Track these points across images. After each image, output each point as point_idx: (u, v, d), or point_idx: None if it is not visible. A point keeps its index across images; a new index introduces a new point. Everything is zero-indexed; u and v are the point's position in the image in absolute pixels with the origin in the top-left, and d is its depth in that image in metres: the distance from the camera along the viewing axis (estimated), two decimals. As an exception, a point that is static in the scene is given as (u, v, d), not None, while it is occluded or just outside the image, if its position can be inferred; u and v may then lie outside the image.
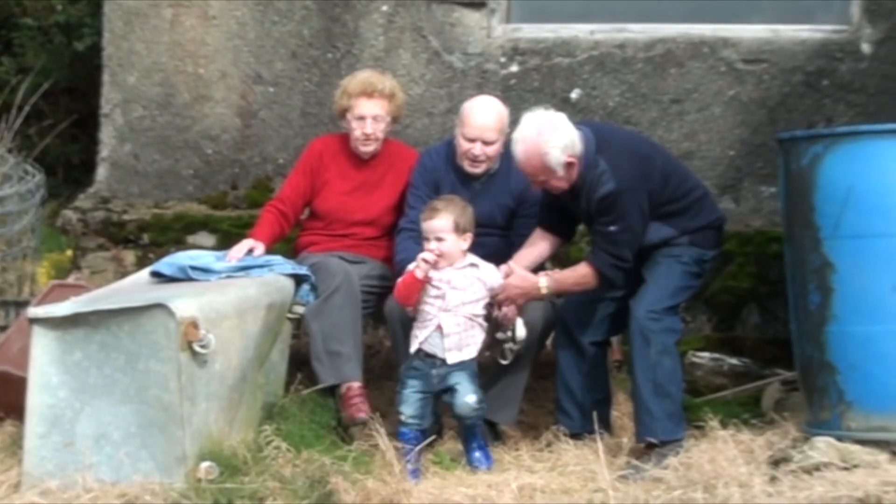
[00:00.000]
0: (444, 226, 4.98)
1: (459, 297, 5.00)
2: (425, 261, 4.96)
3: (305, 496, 4.41)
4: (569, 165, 5.02)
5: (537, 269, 5.25)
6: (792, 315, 5.05)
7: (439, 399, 5.09)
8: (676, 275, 5.12)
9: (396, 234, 5.46)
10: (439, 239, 4.97)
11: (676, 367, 5.10)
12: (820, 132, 5.47)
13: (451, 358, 4.98)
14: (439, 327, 4.98)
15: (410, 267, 5.02)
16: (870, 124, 5.63)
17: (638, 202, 5.04)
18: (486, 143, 5.34)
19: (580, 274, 5.11)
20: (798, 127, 6.21)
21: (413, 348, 5.03)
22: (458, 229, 4.99)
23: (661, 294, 5.07)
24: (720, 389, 5.90)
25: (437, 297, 4.99)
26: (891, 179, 4.72)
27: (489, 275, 5.06)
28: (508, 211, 5.47)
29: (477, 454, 4.98)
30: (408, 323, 5.23)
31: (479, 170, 5.40)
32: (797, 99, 6.42)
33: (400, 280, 5.05)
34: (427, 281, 4.98)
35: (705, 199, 5.27)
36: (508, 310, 5.13)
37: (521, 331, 5.14)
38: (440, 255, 4.97)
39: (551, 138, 4.99)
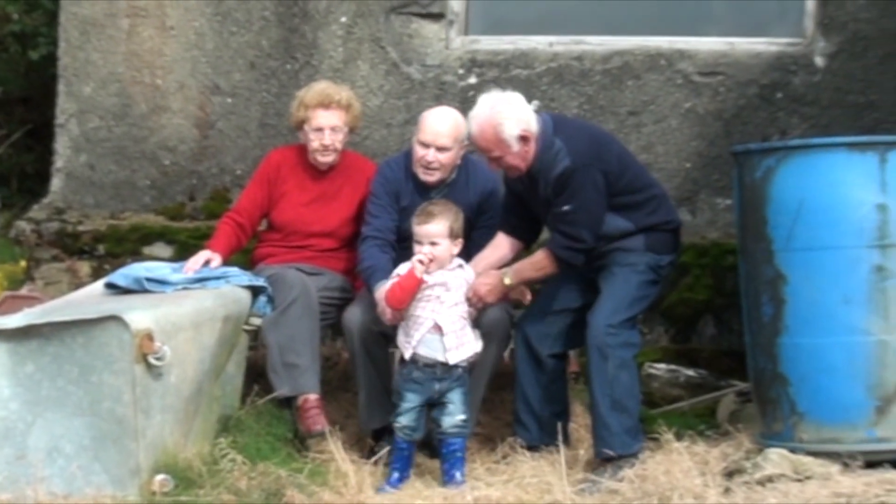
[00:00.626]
0: (439, 231, 4.99)
1: (453, 297, 5.02)
2: (421, 262, 4.97)
3: (261, 509, 4.40)
4: (523, 139, 5.03)
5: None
6: (746, 327, 5.09)
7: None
8: (633, 285, 5.13)
9: (360, 243, 5.44)
10: (433, 243, 4.99)
11: (634, 382, 5.11)
12: (773, 145, 5.52)
13: (453, 357, 4.98)
14: (437, 327, 4.98)
15: (401, 271, 5.02)
16: (821, 137, 5.71)
17: (593, 180, 5.04)
18: (439, 149, 5.35)
19: (537, 259, 5.14)
20: (753, 139, 6.27)
21: (407, 354, 5.02)
22: (452, 234, 5.02)
23: (617, 306, 5.07)
24: (676, 401, 5.93)
25: (430, 299, 5.00)
26: (841, 192, 4.77)
27: (472, 276, 5.12)
28: (467, 222, 5.47)
29: (457, 475, 4.93)
30: (367, 334, 5.23)
31: (432, 178, 5.41)
32: (752, 111, 6.47)
33: (393, 283, 5.01)
34: (422, 284, 4.98)
35: (663, 200, 5.28)
36: (474, 313, 5.15)
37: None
38: (432, 260, 4.98)
39: (505, 110, 5.05)
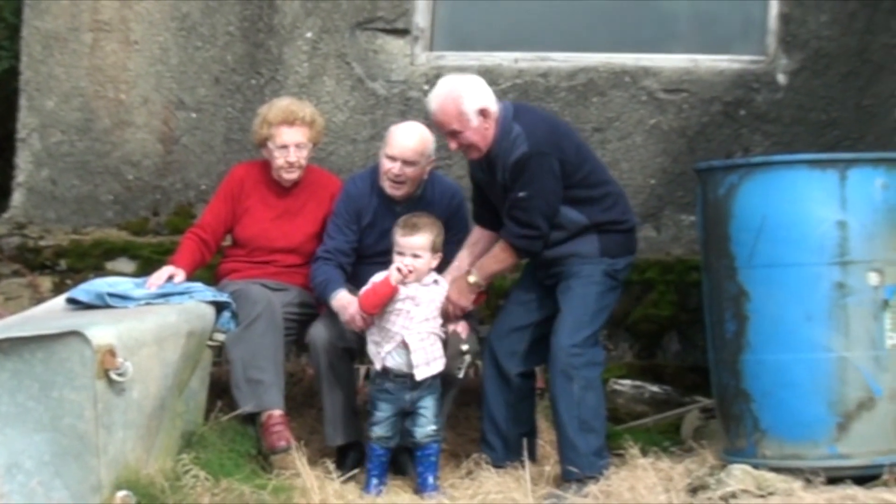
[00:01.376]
0: (423, 244, 5.05)
1: (423, 313, 5.07)
2: (399, 271, 5.01)
3: (224, 526, 4.38)
4: (482, 114, 5.05)
5: None
6: (709, 343, 5.12)
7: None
8: (591, 298, 5.11)
9: (312, 262, 5.45)
10: (415, 255, 5.03)
11: (600, 401, 5.12)
12: (735, 162, 5.56)
13: (420, 374, 5.04)
14: (403, 343, 5.03)
15: (378, 278, 5.06)
16: (783, 154, 5.75)
17: (550, 168, 5.05)
18: (406, 163, 5.35)
19: (496, 253, 5.15)
20: (717, 156, 6.29)
21: (378, 366, 5.09)
22: (433, 249, 5.09)
23: (578, 324, 5.06)
24: (641, 417, 5.95)
25: (399, 312, 5.05)
26: (803, 209, 4.81)
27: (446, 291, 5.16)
28: None
29: (430, 480, 5.04)
30: (332, 350, 5.22)
31: (399, 191, 5.41)
32: (716, 128, 6.52)
33: (368, 287, 5.06)
34: (396, 292, 5.03)
35: (619, 198, 5.27)
36: (458, 324, 5.17)
37: (472, 343, 5.21)
38: (411, 272, 5.02)
39: (465, 86, 5.13)
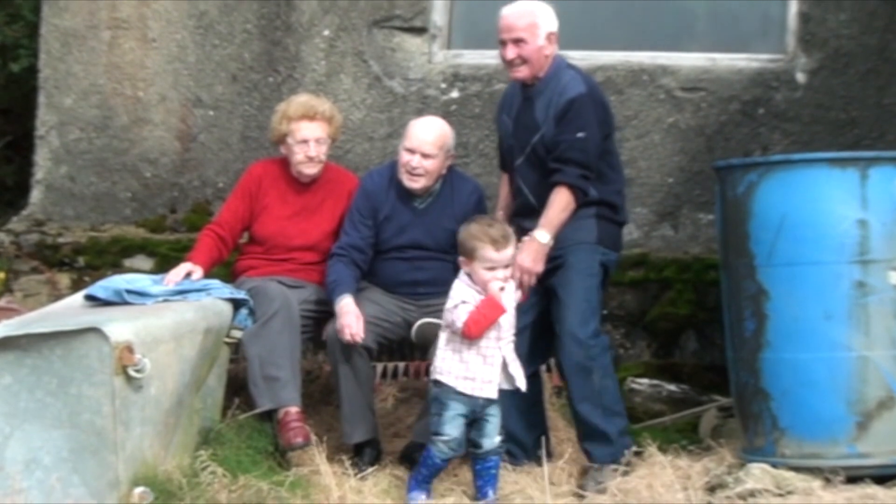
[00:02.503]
0: (511, 255, 4.87)
1: (510, 321, 4.90)
2: (502, 289, 4.82)
3: (241, 522, 4.38)
4: (549, 39, 5.13)
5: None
6: (728, 342, 5.10)
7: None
8: (592, 290, 5.12)
9: (328, 259, 5.46)
10: (507, 267, 4.85)
11: (617, 385, 5.17)
12: (755, 160, 5.56)
13: (524, 385, 4.86)
14: (499, 361, 4.83)
15: (466, 297, 4.81)
16: (803, 153, 5.73)
17: (599, 117, 5.12)
18: (424, 155, 5.36)
19: (559, 200, 5.06)
20: (735, 155, 6.29)
21: (477, 393, 4.82)
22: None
23: (585, 316, 5.07)
24: (659, 416, 5.93)
25: (494, 327, 4.83)
26: (823, 208, 4.79)
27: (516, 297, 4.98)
28: (452, 235, 5.48)
29: (490, 492, 4.85)
30: (349, 348, 5.20)
31: (417, 184, 5.41)
32: (734, 127, 6.50)
33: (473, 312, 4.77)
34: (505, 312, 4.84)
35: (623, 189, 5.31)
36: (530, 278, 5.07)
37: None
38: (506, 283, 4.85)
39: (544, 7, 5.21)
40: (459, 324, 4.77)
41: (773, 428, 4.87)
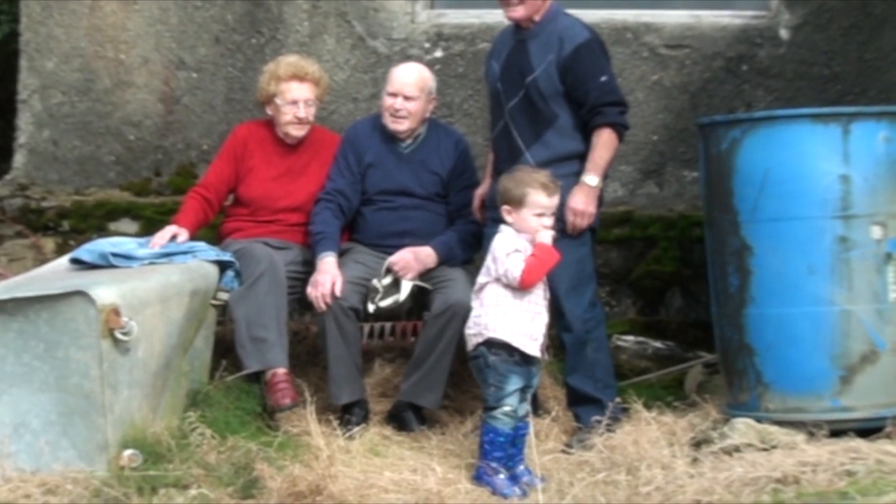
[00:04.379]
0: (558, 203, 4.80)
1: (544, 281, 4.79)
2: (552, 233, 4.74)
3: (230, 483, 4.40)
4: None
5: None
6: (712, 298, 5.12)
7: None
8: (586, 260, 5.17)
9: (315, 204, 5.50)
10: (553, 215, 4.76)
11: (609, 357, 5.25)
12: (738, 117, 5.56)
13: (537, 350, 4.72)
14: (545, 320, 4.73)
15: (519, 246, 4.69)
16: (786, 109, 5.73)
17: (607, 58, 5.22)
18: (406, 98, 5.45)
19: (605, 140, 5.11)
20: (719, 112, 6.28)
21: (535, 352, 4.71)
22: None
23: (580, 288, 5.11)
24: (644, 372, 5.97)
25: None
26: (806, 163, 4.80)
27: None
28: (439, 182, 5.52)
29: (523, 470, 4.72)
30: (337, 309, 5.21)
31: (401, 126, 5.47)
32: (718, 84, 6.50)
33: (531, 261, 4.66)
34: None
35: None
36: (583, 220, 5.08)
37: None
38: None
39: None
40: (517, 272, 4.64)
41: (757, 383, 4.90)
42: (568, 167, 5.12)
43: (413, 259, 5.32)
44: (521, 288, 4.68)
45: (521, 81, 5.17)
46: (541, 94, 5.13)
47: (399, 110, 5.45)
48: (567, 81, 5.11)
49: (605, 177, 5.22)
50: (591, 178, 5.09)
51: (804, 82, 6.43)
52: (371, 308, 5.29)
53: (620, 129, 5.14)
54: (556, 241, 4.90)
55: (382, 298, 5.29)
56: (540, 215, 4.73)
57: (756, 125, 4.92)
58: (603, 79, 5.11)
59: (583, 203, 5.06)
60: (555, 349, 5.52)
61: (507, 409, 4.68)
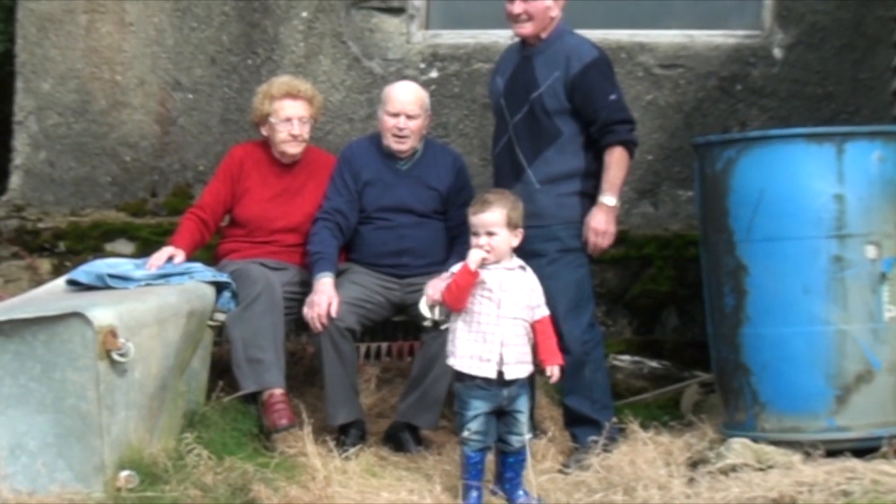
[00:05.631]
0: (496, 219, 4.66)
1: (514, 300, 4.67)
2: (478, 254, 4.65)
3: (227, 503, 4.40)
4: (556, 1, 5.19)
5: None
6: (708, 317, 5.13)
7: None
8: (584, 281, 5.17)
9: (313, 224, 5.51)
10: (490, 234, 4.65)
11: (606, 377, 5.25)
12: (732, 137, 5.57)
13: (510, 373, 4.62)
14: (499, 339, 4.63)
15: (457, 268, 4.69)
16: (780, 128, 5.76)
17: (614, 76, 5.27)
18: (409, 116, 5.47)
19: (617, 160, 5.13)
20: (713, 131, 6.32)
21: (460, 367, 4.66)
22: (510, 224, 4.69)
23: (579, 309, 5.11)
24: (641, 392, 5.97)
25: (488, 299, 4.65)
26: (800, 183, 4.82)
27: (535, 281, 4.76)
28: (438, 198, 5.53)
29: (520, 494, 4.68)
30: (333, 330, 5.22)
31: (404, 145, 5.49)
32: (712, 104, 6.52)
33: (449, 282, 4.69)
34: (477, 278, 4.64)
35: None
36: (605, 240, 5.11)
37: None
38: (490, 251, 4.65)
39: None
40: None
41: (753, 402, 4.90)
42: (570, 185, 5.15)
43: (439, 280, 5.25)
44: (447, 307, 4.73)
45: (525, 97, 5.20)
46: (545, 110, 5.16)
47: (403, 129, 5.47)
48: (575, 100, 5.14)
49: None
50: (609, 199, 5.11)
51: (798, 101, 6.46)
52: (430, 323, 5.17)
53: (631, 146, 5.17)
54: (554, 261, 4.90)
55: (440, 317, 5.15)
56: (475, 234, 4.70)
57: (751, 145, 4.94)
58: (612, 97, 5.13)
59: (604, 223, 5.09)
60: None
61: (466, 433, 4.64)
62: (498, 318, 4.65)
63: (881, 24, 6.37)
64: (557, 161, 5.15)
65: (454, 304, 4.69)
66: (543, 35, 5.22)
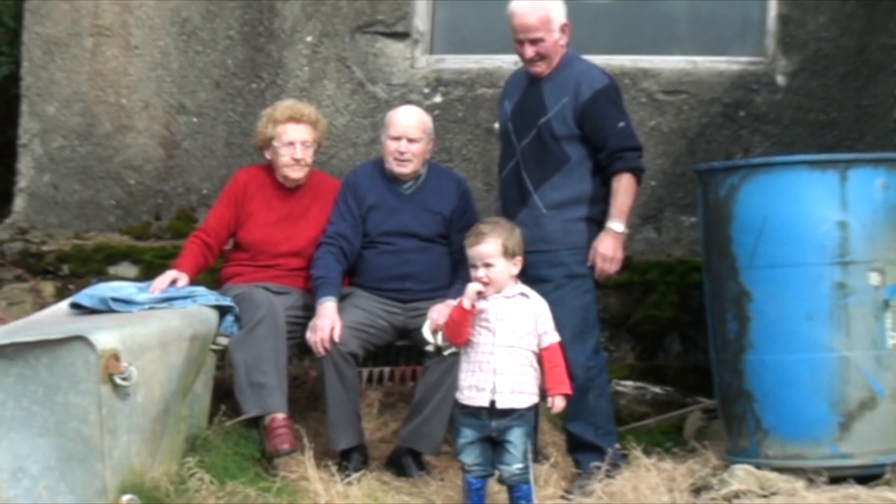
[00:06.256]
0: (492, 251, 4.62)
1: (510, 328, 4.62)
2: (476, 291, 4.61)
3: (228, 528, 4.39)
4: (563, 31, 5.19)
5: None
6: (711, 343, 5.13)
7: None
8: (590, 307, 5.16)
9: (317, 248, 5.51)
10: (488, 265, 4.62)
11: (610, 403, 5.23)
12: (736, 163, 5.58)
13: (501, 402, 4.56)
14: (493, 367, 4.60)
15: (454, 302, 4.71)
16: (783, 155, 5.77)
17: (623, 103, 5.29)
18: (410, 140, 5.49)
19: (625, 187, 5.13)
20: (717, 157, 6.32)
21: (459, 397, 4.69)
22: (507, 253, 4.64)
23: (584, 335, 5.10)
24: (644, 418, 5.96)
25: (486, 329, 4.63)
26: (803, 210, 4.83)
27: (541, 307, 4.71)
28: (442, 222, 5.53)
29: None
30: (335, 354, 5.21)
31: (406, 168, 5.50)
32: (715, 130, 6.54)
33: (446, 317, 4.72)
34: (474, 312, 4.62)
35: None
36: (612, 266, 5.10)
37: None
38: (488, 283, 4.62)
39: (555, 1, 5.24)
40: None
41: (756, 429, 4.90)
42: (576, 210, 5.15)
43: (442, 306, 5.26)
44: (451, 343, 4.78)
45: (533, 122, 5.20)
46: (553, 135, 5.16)
47: (404, 153, 5.48)
48: (584, 126, 5.14)
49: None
50: (617, 225, 5.10)
51: (801, 128, 6.47)
52: (433, 348, 5.19)
53: (639, 173, 5.18)
54: (560, 287, 4.89)
55: (443, 343, 5.15)
56: (473, 266, 4.67)
57: (754, 171, 4.95)
58: (621, 124, 5.14)
59: (612, 249, 5.08)
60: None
61: (464, 462, 4.65)
62: (493, 347, 4.63)
63: (884, 52, 6.38)
64: (564, 186, 5.15)
65: (454, 339, 4.71)
66: (556, 65, 5.22)
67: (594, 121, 5.13)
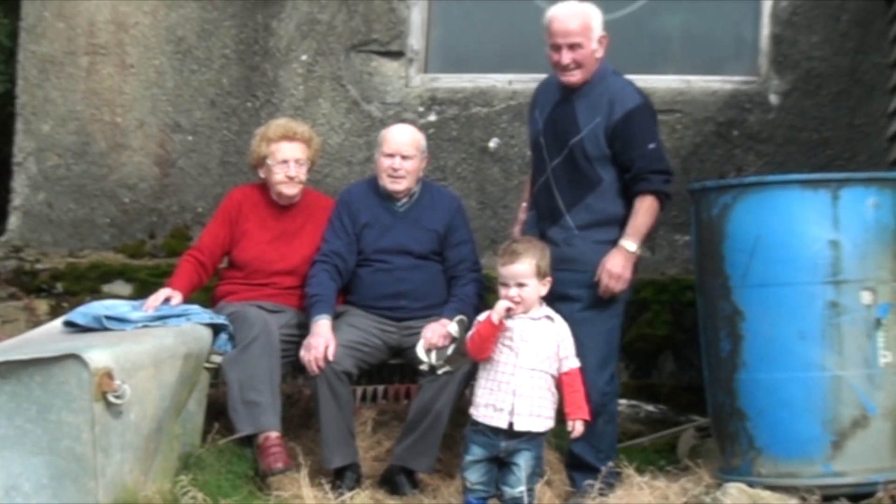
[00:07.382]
0: (526, 271, 4.63)
1: (533, 350, 4.65)
2: (507, 307, 4.62)
3: (222, 547, 4.39)
4: (600, 42, 5.11)
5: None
6: (704, 362, 5.14)
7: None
8: (614, 333, 5.11)
9: (311, 266, 5.52)
10: (520, 285, 4.62)
11: (616, 429, 5.22)
12: (728, 182, 5.59)
13: (519, 424, 4.59)
14: (513, 388, 4.61)
15: (482, 317, 4.71)
16: (776, 174, 5.78)
17: (656, 124, 5.19)
18: (404, 157, 5.50)
19: (647, 207, 5.03)
20: (710, 176, 6.34)
21: (474, 415, 4.69)
22: (540, 273, 4.67)
23: (605, 360, 5.05)
24: (637, 436, 5.96)
25: (508, 348, 4.65)
26: (796, 229, 4.84)
27: (564, 331, 4.74)
28: (436, 238, 5.53)
29: None
30: (329, 373, 5.21)
31: (400, 185, 5.51)
32: (709, 149, 6.56)
33: (473, 331, 4.73)
34: (502, 329, 4.63)
35: None
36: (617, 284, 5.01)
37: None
38: (520, 302, 4.63)
39: (595, 10, 5.17)
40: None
41: (749, 448, 4.90)
42: (608, 233, 5.07)
43: (436, 325, 5.27)
44: (472, 357, 4.76)
45: (565, 141, 5.12)
46: (586, 156, 5.08)
47: (398, 170, 5.50)
48: (615, 146, 5.06)
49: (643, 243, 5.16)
50: (630, 244, 5.02)
51: (794, 147, 6.49)
52: (427, 367, 5.20)
53: (663, 197, 5.07)
54: (587, 308, 4.92)
55: (437, 362, 5.17)
56: (504, 284, 4.67)
57: (747, 190, 4.97)
58: (651, 146, 5.04)
59: (620, 267, 5.00)
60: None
61: (468, 481, 4.66)
62: (514, 368, 4.64)
63: (877, 71, 6.41)
64: (597, 208, 5.09)
65: (477, 354, 4.70)
66: (590, 78, 5.14)
67: (624, 141, 5.04)
